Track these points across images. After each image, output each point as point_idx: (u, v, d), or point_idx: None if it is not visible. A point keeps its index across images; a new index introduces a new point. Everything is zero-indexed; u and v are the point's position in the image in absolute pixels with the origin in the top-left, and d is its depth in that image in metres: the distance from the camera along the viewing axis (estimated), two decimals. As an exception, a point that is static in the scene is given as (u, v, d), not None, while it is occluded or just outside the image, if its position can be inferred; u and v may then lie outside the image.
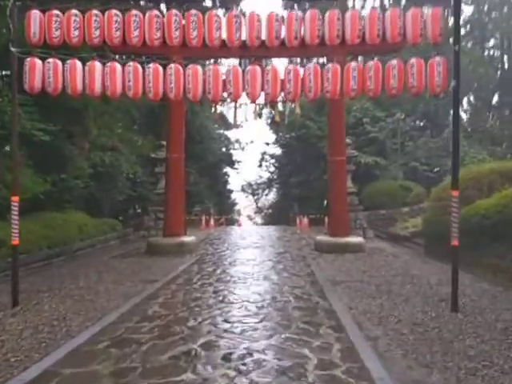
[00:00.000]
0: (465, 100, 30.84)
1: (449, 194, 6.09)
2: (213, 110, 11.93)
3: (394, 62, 6.95)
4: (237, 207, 48.00)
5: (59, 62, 6.79)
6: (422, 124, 25.90)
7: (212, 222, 24.65)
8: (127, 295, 6.70)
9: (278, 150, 37.54)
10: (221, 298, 6.38)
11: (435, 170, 22.44)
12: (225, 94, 7.88)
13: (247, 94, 7.49)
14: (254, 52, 8.26)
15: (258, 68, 7.30)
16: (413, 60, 6.82)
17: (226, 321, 5.28)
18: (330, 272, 8.77)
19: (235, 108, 12.85)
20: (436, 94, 7.17)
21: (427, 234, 11.95)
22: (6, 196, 10.09)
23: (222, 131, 38.48)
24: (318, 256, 11.16)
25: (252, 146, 42.37)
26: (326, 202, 15.62)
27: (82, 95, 7.11)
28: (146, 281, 7.90)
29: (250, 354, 4.19)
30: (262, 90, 7.34)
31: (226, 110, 14.91)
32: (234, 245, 14.20)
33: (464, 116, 30.09)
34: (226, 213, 31.48)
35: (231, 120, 13.20)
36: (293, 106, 15.15)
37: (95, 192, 15.54)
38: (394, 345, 4.47)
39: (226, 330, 4.95)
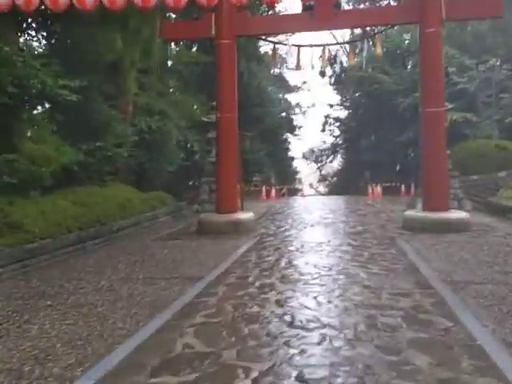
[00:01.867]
0: None
1: None
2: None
3: None
4: (299, 176, 45.52)
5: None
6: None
7: (273, 192, 22.49)
8: (154, 306, 4.67)
9: (343, 113, 34.35)
10: (288, 318, 4.14)
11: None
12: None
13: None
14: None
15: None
16: None
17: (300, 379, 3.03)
18: (440, 264, 6.25)
19: (298, 49, 10.35)
20: None
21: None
22: (27, 169, 8.50)
23: (281, 94, 35.79)
24: (412, 237, 8.60)
25: (314, 110, 39.38)
26: (421, 165, 12.78)
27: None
28: (187, 277, 5.87)
29: None
30: None
31: (287, 53, 12.49)
32: (299, 221, 11.92)
33: None
34: (287, 182, 29.14)
35: (293, 63, 10.63)
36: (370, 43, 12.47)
37: (143, 162, 13.81)
38: None
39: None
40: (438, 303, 4.54)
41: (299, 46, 10.17)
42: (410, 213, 9.89)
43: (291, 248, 7.83)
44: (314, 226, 10.76)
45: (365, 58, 12.79)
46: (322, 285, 5.26)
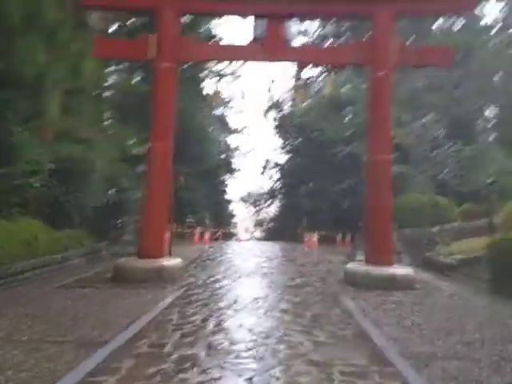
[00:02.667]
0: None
1: None
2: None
3: None
4: (235, 219, 44.55)
5: None
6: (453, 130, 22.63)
7: (207, 235, 21.25)
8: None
9: (283, 158, 34.31)
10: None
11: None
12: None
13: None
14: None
15: None
16: None
17: None
18: (392, 331, 5.38)
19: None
20: None
21: (494, 264, 8.66)
22: None
23: (222, 136, 35.27)
24: (356, 294, 7.76)
25: (254, 153, 39.18)
26: (363, 215, 12.22)
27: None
28: (85, 342, 4.52)
29: None
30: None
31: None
32: (233, 270, 10.77)
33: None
34: (223, 225, 28.02)
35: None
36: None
37: (58, 195, 12.14)
38: None
39: None
40: (403, 390, 3.59)
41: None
42: (352, 266, 9.14)
43: (222, 304, 6.65)
44: (250, 276, 9.67)
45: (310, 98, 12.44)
46: (259, 359, 4.15)
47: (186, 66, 22.20)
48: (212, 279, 9.18)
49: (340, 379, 3.71)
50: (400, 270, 8.66)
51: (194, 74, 22.59)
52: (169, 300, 6.87)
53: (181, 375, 3.66)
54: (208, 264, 11.88)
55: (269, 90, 34.81)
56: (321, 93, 21.92)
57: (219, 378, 3.61)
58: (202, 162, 24.04)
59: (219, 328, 5.24)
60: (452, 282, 10.03)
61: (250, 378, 3.62)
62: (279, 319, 5.77)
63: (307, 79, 31.53)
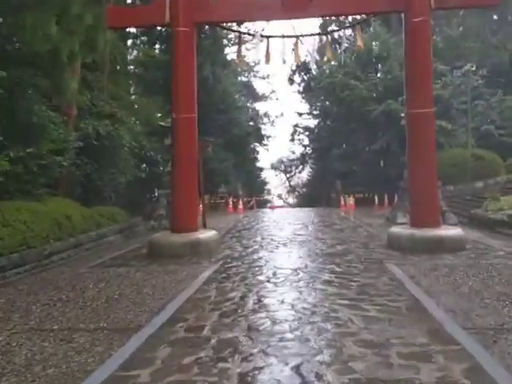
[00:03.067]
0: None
1: None
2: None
3: None
4: (268, 187, 44.22)
5: None
6: (492, 79, 21.10)
7: (240, 204, 20.99)
8: (53, 389, 3.05)
9: (312, 122, 33.39)
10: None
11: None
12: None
13: None
14: None
15: None
16: None
17: None
18: (450, 300, 4.88)
19: (268, 40, 8.95)
20: None
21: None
22: None
23: (249, 103, 34.47)
24: (403, 259, 7.26)
25: (282, 119, 38.23)
26: (404, 175, 11.51)
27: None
28: (118, 329, 4.26)
29: None
30: None
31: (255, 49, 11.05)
32: (269, 239, 10.44)
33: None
34: (256, 193, 27.71)
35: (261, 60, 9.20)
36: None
37: (90, 172, 12.01)
38: None
39: None
40: (473, 371, 3.13)
41: (268, 37, 8.77)
42: (395, 229, 8.58)
43: (261, 277, 6.30)
44: (287, 246, 9.29)
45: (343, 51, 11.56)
46: (305, 341, 3.76)
47: (207, 33, 21.52)
48: (249, 250, 8.86)
49: (399, 363, 3.27)
50: (448, 231, 8.05)
51: (216, 39, 21.82)
52: (206, 275, 6.58)
53: (220, 364, 3.32)
54: (244, 234, 11.59)
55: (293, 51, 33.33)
56: (349, 50, 20.73)
57: (262, 368, 3.24)
58: (230, 130, 23.56)
59: (259, 305, 4.88)
60: (504, 239, 9.36)
61: (298, 366, 3.24)
62: (323, 292, 5.36)
63: (333, 37, 30.08)
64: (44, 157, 9.48)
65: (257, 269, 6.95)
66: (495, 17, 23.33)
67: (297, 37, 8.53)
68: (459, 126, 18.35)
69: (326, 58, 10.49)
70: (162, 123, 13.70)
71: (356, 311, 4.56)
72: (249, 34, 10.39)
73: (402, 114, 18.41)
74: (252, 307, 4.83)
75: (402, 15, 8.63)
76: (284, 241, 10.00)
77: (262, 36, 8.73)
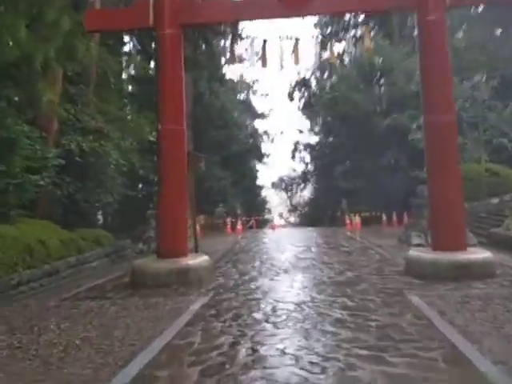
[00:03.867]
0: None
1: None
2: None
3: None
4: (268, 206, 43.09)
5: None
6: (503, 91, 20.19)
7: (239, 225, 19.91)
8: None
9: (314, 139, 32.58)
10: None
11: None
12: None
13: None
14: None
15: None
16: None
17: None
18: (498, 348, 3.79)
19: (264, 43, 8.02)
20: None
21: None
22: None
23: (248, 121, 33.66)
24: (426, 289, 6.15)
25: (283, 137, 37.42)
26: (418, 191, 10.56)
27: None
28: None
29: None
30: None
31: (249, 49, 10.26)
32: (268, 264, 9.35)
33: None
34: (256, 213, 26.58)
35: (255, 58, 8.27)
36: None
37: (73, 193, 10.99)
38: None
39: None
40: None
41: (265, 41, 7.86)
42: (414, 253, 7.47)
43: (258, 315, 5.19)
44: (289, 272, 8.19)
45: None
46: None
47: (204, 49, 20.82)
48: (245, 278, 7.77)
49: None
50: (477, 255, 6.96)
51: (212, 54, 21.12)
52: (192, 310, 5.50)
53: None
54: (241, 258, 10.51)
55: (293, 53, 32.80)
56: (352, 60, 19.95)
57: None
58: (228, 147, 22.67)
59: (254, 358, 3.78)
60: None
61: None
62: (334, 337, 4.26)
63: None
64: (17, 175, 8.50)
65: (253, 302, 5.86)
66: (500, 29, 22.69)
67: (296, 40, 7.59)
68: (470, 140, 17.37)
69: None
70: (152, 138, 12.73)
71: (380, 366, 3.47)
72: (240, 37, 9.51)
73: (414, 126, 17.62)
74: (244, 360, 3.73)
75: (415, 14, 7.72)
76: (285, 266, 8.90)
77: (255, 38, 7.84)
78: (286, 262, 9.38)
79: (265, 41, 7.85)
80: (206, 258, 7.86)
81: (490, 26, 19.55)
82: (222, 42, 21.89)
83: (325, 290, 6.46)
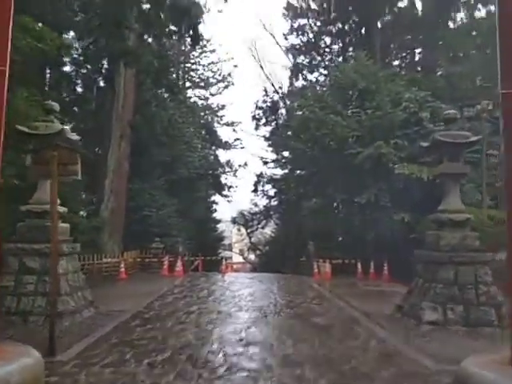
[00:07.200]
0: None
1: None
2: None
3: None
4: (227, 242, 38.92)
5: None
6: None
7: (179, 265, 15.61)
8: None
9: (279, 171, 29.18)
10: None
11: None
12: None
13: None
14: None
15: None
16: None
17: None
18: None
19: None
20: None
21: None
22: None
23: (208, 148, 29.82)
24: None
25: (246, 169, 33.87)
26: (428, 240, 6.81)
27: None
28: None
29: None
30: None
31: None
32: (186, 355, 5.17)
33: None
34: (207, 251, 22.12)
35: None
36: None
37: None
38: None
39: None
40: None
41: None
42: (479, 370, 3.54)
43: None
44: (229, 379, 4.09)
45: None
46: None
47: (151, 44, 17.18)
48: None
49: None
50: None
51: (163, 56, 17.43)
52: None
53: None
54: (143, 338, 6.23)
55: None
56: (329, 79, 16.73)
57: None
58: (174, 170, 18.61)
59: None
60: None
61: None
62: None
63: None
64: None
65: None
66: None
67: None
68: (468, 181, 14.15)
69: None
70: None
71: None
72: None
73: (395, 162, 14.39)
74: None
75: None
76: (219, 361, 4.79)
77: None
78: (216, 354, 5.24)
79: None
80: (28, 360, 3.58)
81: (489, 49, 16.99)
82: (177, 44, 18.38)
83: None
